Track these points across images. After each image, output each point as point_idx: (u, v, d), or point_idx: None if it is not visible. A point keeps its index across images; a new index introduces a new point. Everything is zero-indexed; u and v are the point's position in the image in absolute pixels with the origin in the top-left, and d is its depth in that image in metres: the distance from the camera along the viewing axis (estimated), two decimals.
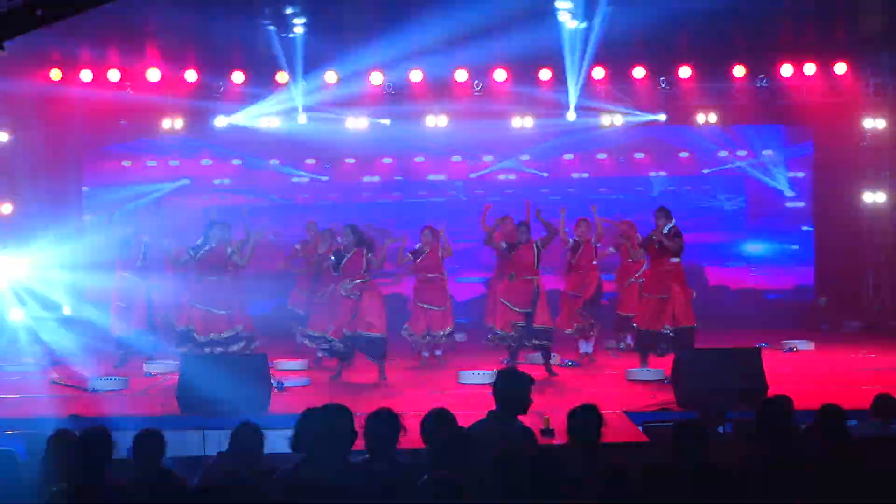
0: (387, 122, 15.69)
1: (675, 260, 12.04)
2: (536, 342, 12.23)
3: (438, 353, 13.39)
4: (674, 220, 12.04)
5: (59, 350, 13.49)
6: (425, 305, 13.21)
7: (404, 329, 13.23)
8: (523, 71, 15.33)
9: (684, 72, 15.27)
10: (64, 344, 13.64)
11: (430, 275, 13.23)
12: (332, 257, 12.27)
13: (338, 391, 11.31)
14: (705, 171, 17.58)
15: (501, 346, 12.43)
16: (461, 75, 15.40)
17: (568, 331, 13.33)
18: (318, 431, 5.16)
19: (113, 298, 13.20)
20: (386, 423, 5.35)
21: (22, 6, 6.46)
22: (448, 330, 13.24)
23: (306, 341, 13.37)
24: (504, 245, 12.60)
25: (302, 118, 15.45)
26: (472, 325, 15.21)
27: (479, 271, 16.26)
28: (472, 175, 17.37)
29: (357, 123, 15.81)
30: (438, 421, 5.70)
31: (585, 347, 13.46)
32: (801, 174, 17.84)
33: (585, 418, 5.62)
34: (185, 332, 12.44)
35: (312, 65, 15.14)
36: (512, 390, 6.02)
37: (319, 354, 13.06)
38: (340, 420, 5.22)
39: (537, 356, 12.48)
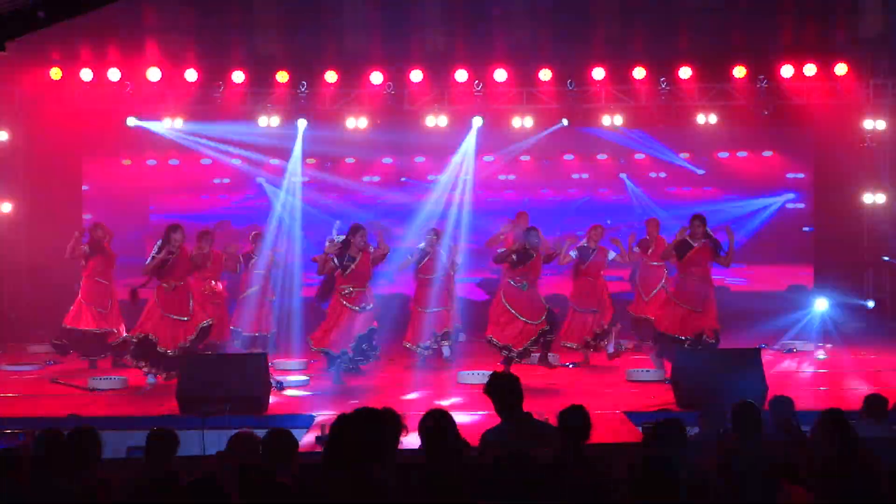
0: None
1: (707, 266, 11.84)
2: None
3: (447, 354, 13.16)
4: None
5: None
6: (427, 309, 13.00)
7: (407, 344, 13.00)
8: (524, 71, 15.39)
9: (684, 72, 15.27)
10: None
11: (432, 276, 13.07)
12: (335, 259, 11.87)
13: (338, 391, 11.31)
14: (702, 172, 17.59)
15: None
16: (461, 75, 15.42)
17: (573, 344, 13.16)
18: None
19: (82, 298, 13.20)
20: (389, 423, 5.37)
21: (24, 7, 6.47)
22: (451, 328, 13.08)
23: None
24: (514, 259, 11.99)
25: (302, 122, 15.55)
26: (472, 326, 15.12)
27: (479, 271, 16.22)
28: (467, 177, 17.31)
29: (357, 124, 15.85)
30: (437, 422, 5.71)
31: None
32: (800, 175, 17.84)
33: (573, 417, 5.63)
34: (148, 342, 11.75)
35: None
36: (508, 391, 6.02)
37: None
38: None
39: (533, 357, 12.37)
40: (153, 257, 11.56)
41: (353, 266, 11.78)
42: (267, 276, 13.89)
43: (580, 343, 13.19)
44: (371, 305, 12.01)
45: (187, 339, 11.56)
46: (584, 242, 13.24)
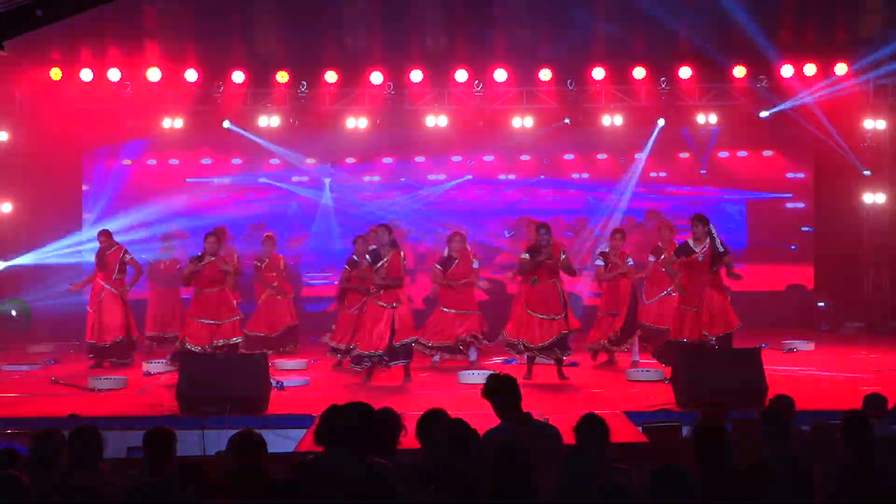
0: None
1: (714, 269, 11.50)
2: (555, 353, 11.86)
3: (473, 358, 12.99)
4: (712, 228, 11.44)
5: None
6: (456, 311, 12.83)
7: (424, 343, 12.77)
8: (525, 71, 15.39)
9: (684, 72, 15.27)
10: None
11: (461, 281, 12.88)
12: (368, 256, 11.99)
13: (338, 391, 11.30)
14: (703, 171, 17.62)
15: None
16: (461, 75, 15.41)
17: (594, 345, 12.96)
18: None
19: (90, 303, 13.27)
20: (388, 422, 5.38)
21: (22, 6, 6.46)
22: (480, 332, 13.01)
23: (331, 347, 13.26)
24: (527, 258, 11.82)
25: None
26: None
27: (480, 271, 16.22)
28: (469, 177, 17.35)
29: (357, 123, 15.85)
30: (434, 421, 5.71)
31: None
32: (801, 174, 17.84)
33: (593, 430, 5.57)
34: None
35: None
36: (506, 393, 6.00)
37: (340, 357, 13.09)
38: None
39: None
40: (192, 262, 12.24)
41: (383, 263, 11.69)
42: (281, 275, 14.15)
43: (596, 344, 12.98)
44: (398, 303, 11.87)
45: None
46: (605, 248, 13.13)
